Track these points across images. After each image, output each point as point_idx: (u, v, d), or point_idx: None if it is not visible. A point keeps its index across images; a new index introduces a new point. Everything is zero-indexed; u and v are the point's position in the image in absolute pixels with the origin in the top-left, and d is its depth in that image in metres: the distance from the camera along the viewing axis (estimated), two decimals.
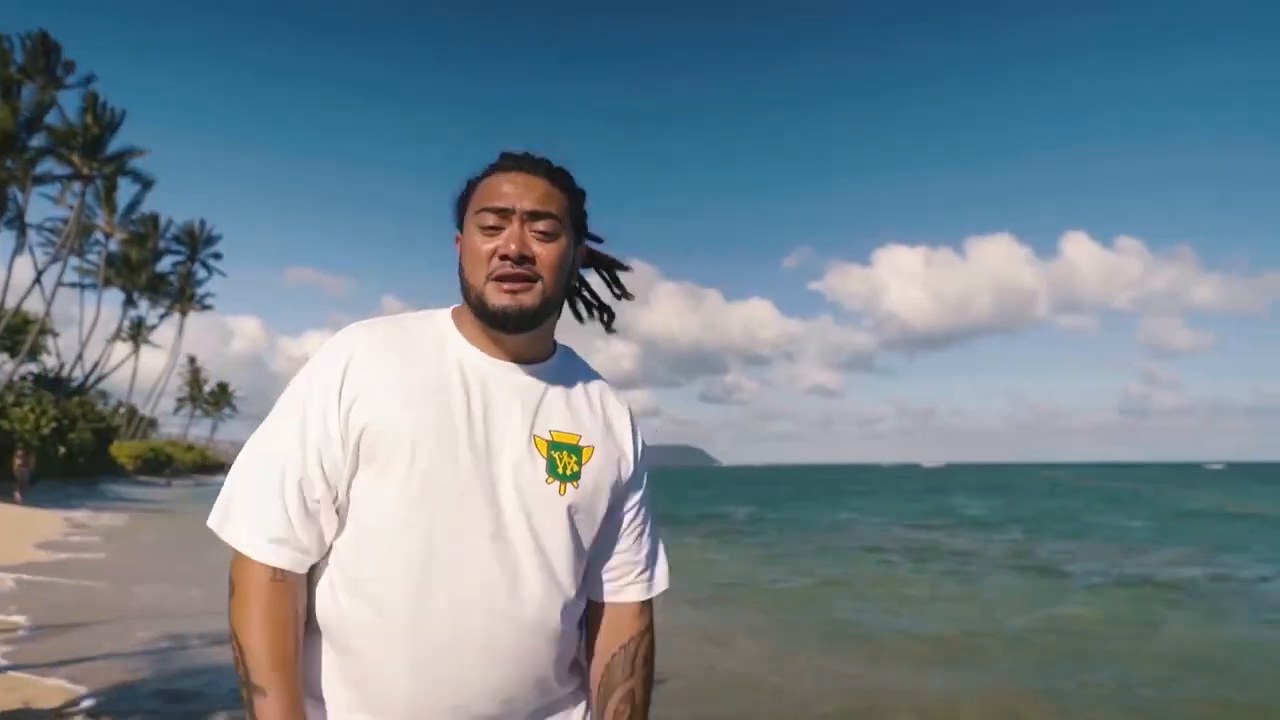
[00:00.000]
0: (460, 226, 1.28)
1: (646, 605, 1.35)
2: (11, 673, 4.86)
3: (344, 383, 1.17)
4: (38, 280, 44.41)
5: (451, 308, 1.32)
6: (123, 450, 51.22)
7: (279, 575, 1.13)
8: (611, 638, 1.32)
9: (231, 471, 1.18)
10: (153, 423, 77.10)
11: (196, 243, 60.85)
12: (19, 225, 40.33)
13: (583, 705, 1.31)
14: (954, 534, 21.14)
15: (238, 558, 1.13)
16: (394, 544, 1.14)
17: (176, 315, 63.26)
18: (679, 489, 59.08)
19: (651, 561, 1.36)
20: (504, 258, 1.19)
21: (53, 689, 4.54)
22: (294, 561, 1.13)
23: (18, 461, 23.78)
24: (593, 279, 1.44)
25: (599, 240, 1.39)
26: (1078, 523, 24.67)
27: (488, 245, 1.21)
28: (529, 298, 1.20)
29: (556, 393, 1.28)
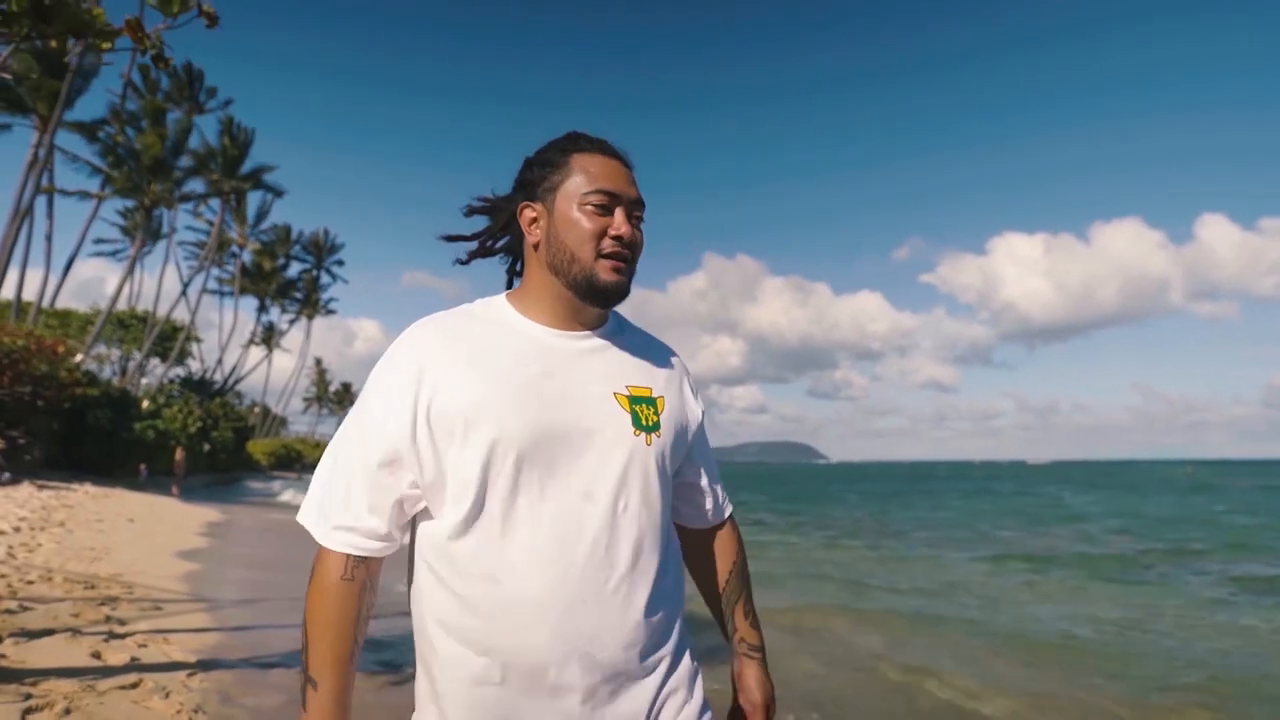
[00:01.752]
0: (539, 198, 1.33)
1: (734, 521, 1.54)
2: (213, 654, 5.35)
3: (420, 376, 1.23)
4: (184, 292, 48.08)
5: (505, 294, 1.39)
6: (258, 447, 54.70)
7: (352, 567, 1.22)
8: (723, 558, 1.51)
9: (317, 467, 1.28)
10: (283, 421, 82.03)
11: (321, 251, 64.32)
12: (167, 241, 43.89)
13: (681, 635, 1.36)
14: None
15: (320, 549, 1.23)
16: (487, 512, 1.21)
17: (304, 320, 67.13)
18: (785, 486, 58.29)
19: (720, 482, 1.52)
20: (617, 238, 1.28)
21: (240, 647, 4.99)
22: (367, 549, 1.22)
23: (178, 458, 25.87)
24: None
25: None
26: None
27: (598, 223, 1.28)
28: (627, 278, 1.31)
29: (623, 353, 1.36)
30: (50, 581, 6.79)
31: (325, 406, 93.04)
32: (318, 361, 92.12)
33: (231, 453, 42.25)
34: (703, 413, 1.46)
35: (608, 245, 1.28)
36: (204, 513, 17.61)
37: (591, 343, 1.34)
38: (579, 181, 1.30)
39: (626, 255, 1.30)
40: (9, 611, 5.43)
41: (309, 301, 65.54)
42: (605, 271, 1.28)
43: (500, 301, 1.38)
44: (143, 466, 26.11)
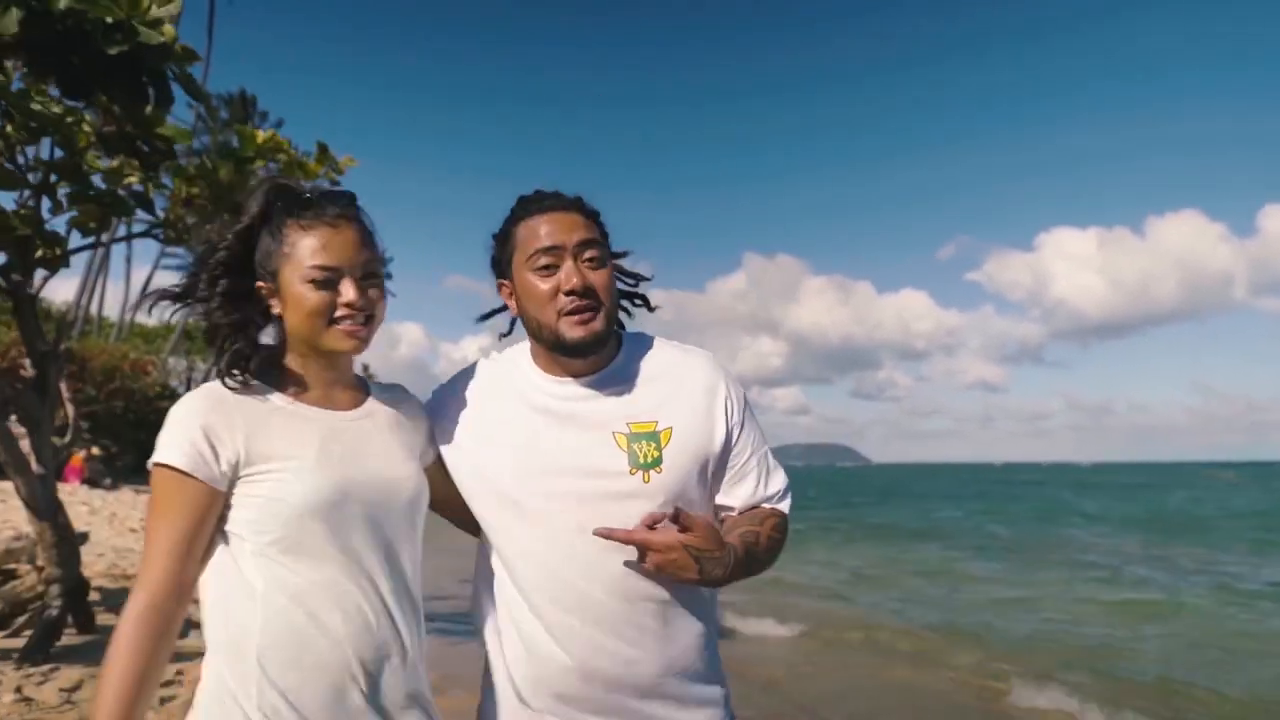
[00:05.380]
0: (503, 276, 1.42)
1: (781, 512, 1.48)
2: None
3: (435, 429, 1.44)
4: None
5: (531, 343, 1.45)
6: None
7: None
8: (752, 513, 1.45)
9: None
10: None
11: None
12: None
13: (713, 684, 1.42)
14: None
15: None
16: (506, 559, 1.38)
17: None
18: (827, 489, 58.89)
19: (767, 484, 1.46)
20: (570, 293, 1.31)
21: None
22: None
23: None
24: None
25: (624, 254, 1.50)
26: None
27: (547, 284, 1.32)
28: (599, 323, 1.33)
29: (628, 386, 1.39)
30: None
31: None
32: (365, 367, 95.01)
33: None
34: (739, 422, 1.43)
35: (563, 303, 1.31)
36: None
37: (593, 389, 1.38)
38: (523, 249, 1.35)
39: (588, 304, 1.32)
40: None
41: None
42: (568, 328, 1.32)
43: (522, 352, 1.48)
44: None
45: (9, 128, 4.12)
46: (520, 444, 1.37)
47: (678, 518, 1.29)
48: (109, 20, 3.38)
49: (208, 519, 1.24)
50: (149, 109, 4.05)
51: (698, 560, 1.28)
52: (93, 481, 18.27)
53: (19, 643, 4.63)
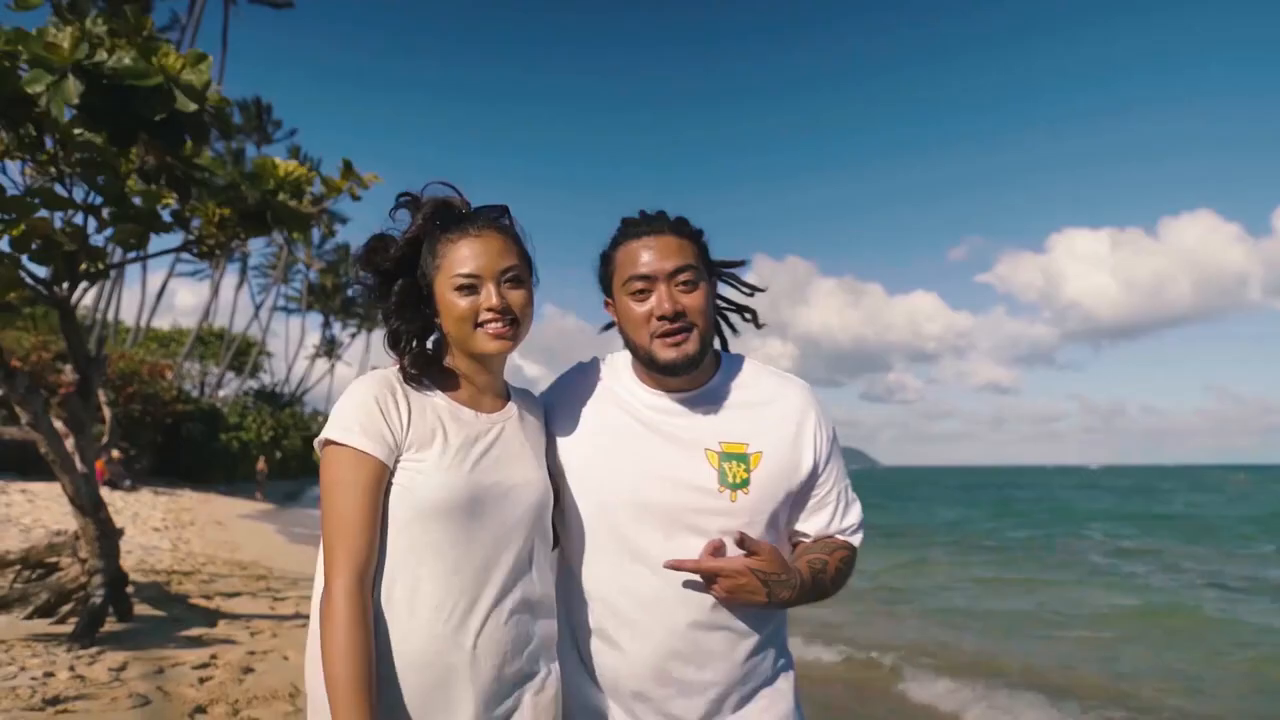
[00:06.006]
0: (609, 293, 1.49)
1: (850, 546, 1.52)
2: None
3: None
4: (256, 313, 51.82)
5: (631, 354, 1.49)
6: None
7: None
8: (823, 541, 1.49)
9: None
10: None
11: None
12: (242, 265, 47.63)
13: (784, 681, 1.46)
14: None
15: None
16: (587, 560, 1.44)
17: (364, 333, 70.78)
18: None
19: (844, 516, 1.50)
20: (661, 318, 1.37)
21: None
22: None
23: (261, 465, 28.79)
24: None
25: (739, 264, 1.54)
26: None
27: (642, 309, 1.39)
28: (690, 345, 1.38)
29: (723, 406, 1.44)
30: (215, 563, 9.17)
31: None
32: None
33: (300, 460, 45.43)
34: (826, 454, 1.46)
35: (656, 326, 1.39)
36: (303, 515, 20.18)
37: (689, 404, 1.44)
38: (621, 273, 1.45)
39: (679, 328, 1.38)
40: (205, 580, 7.78)
41: (369, 316, 69.08)
42: (661, 350, 1.39)
43: (624, 362, 1.53)
44: (262, 467, 28.92)
45: (61, 156, 4.52)
46: (613, 449, 1.43)
47: (743, 543, 1.35)
48: (148, 85, 3.81)
49: (380, 495, 1.29)
50: (187, 146, 4.47)
51: (765, 584, 1.34)
52: (113, 483, 18.77)
53: (65, 629, 5.02)
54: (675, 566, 1.35)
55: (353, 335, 70.61)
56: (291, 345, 62.24)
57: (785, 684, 1.47)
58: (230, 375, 50.34)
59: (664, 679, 1.38)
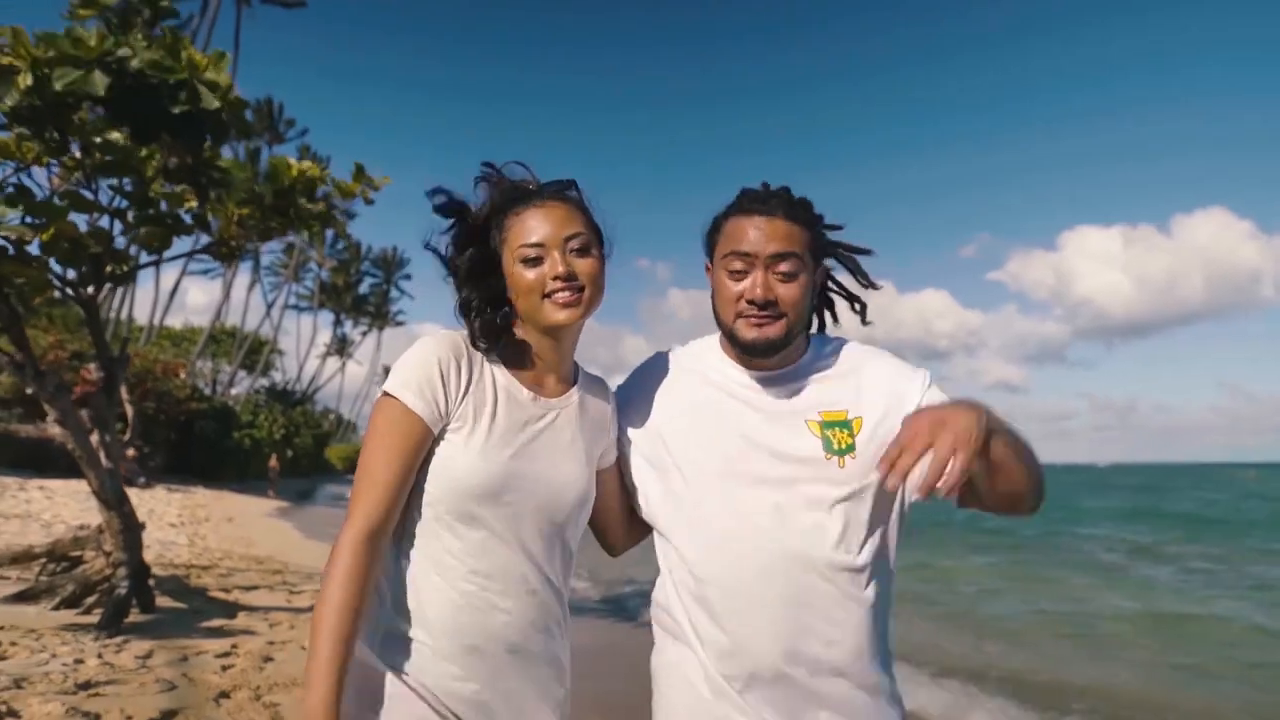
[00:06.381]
0: (710, 257, 1.46)
1: None
2: None
3: (619, 417, 1.49)
4: (268, 312, 52.17)
5: (720, 334, 1.48)
6: (333, 452, 58.45)
7: None
8: None
9: None
10: (353, 427, 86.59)
11: (390, 266, 68.21)
12: (254, 264, 48.00)
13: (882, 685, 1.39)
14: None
15: None
16: (690, 538, 1.40)
17: (375, 331, 71.24)
18: None
19: None
20: (750, 303, 1.35)
21: None
22: None
23: (273, 463, 29.06)
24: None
25: (838, 228, 1.48)
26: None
27: (735, 288, 1.37)
28: (774, 330, 1.36)
29: (817, 379, 1.43)
30: (231, 558, 9.34)
31: None
32: (386, 370, 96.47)
33: (312, 457, 45.82)
34: (924, 402, 1.37)
35: (744, 308, 1.37)
36: (316, 512, 20.39)
37: (781, 379, 1.42)
38: (724, 245, 1.42)
39: (766, 315, 1.36)
40: (223, 574, 7.94)
41: (380, 314, 69.49)
42: (743, 329, 1.38)
43: (712, 343, 1.51)
44: (274, 465, 29.30)
45: (87, 161, 4.68)
46: (712, 423, 1.41)
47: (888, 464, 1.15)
48: (172, 80, 3.95)
49: (420, 457, 1.28)
50: (207, 146, 4.61)
51: (955, 416, 1.13)
52: (128, 480, 18.93)
53: (90, 619, 5.18)
54: (884, 472, 1.15)
55: (364, 333, 71.36)
56: (303, 344, 62.50)
57: (890, 681, 1.42)
58: (242, 374, 50.79)
59: (793, 656, 1.32)
